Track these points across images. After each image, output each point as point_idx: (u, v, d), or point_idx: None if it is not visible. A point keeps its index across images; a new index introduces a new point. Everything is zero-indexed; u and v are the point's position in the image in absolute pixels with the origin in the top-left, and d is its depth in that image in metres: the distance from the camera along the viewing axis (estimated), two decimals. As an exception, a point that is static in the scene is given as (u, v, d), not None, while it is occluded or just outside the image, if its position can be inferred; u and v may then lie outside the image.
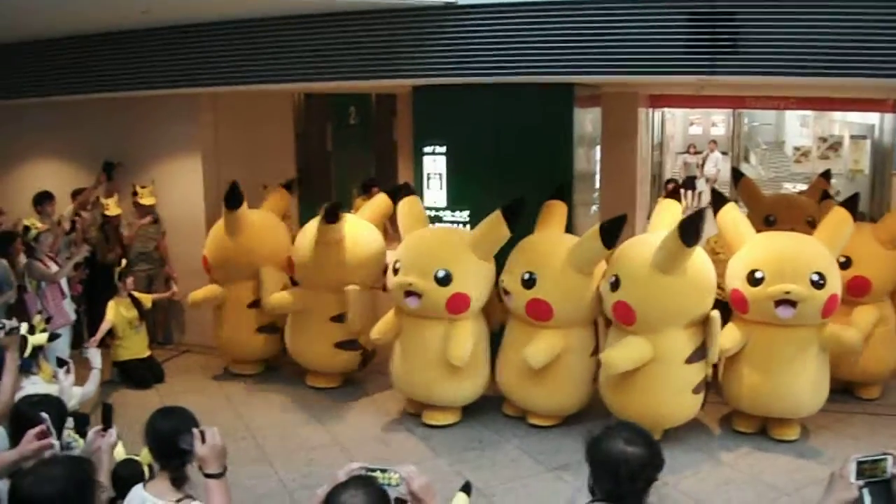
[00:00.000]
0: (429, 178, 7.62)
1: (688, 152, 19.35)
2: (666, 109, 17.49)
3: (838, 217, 6.46)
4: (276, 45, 6.81)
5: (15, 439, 3.41)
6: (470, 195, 7.40)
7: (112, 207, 8.81)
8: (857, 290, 6.86)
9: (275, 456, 6.42)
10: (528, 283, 6.47)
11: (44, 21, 6.88)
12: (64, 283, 7.55)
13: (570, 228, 7.03)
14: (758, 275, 6.18)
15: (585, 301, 6.53)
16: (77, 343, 7.92)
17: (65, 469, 2.55)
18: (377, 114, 12.33)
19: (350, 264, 7.30)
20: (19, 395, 3.99)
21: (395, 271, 6.67)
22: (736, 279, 6.35)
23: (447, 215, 7.58)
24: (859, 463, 2.50)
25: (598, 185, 8.51)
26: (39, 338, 5.06)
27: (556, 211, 6.94)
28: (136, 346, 8.14)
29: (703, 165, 18.94)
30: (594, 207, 8.40)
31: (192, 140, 9.01)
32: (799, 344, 6.26)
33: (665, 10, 5.63)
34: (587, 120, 7.83)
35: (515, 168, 7.22)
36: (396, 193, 7.54)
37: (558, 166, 7.23)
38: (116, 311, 7.91)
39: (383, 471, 2.50)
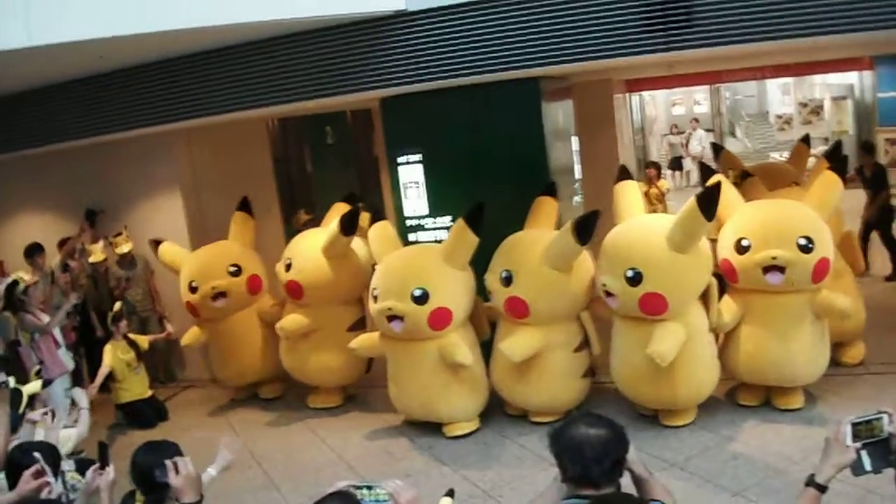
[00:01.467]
0: (406, 188, 7.61)
1: (671, 133, 19.35)
2: (645, 92, 17.53)
3: (827, 180, 6.44)
4: (234, 73, 6.81)
5: (12, 488, 3.42)
6: (450, 200, 7.36)
7: (97, 254, 8.84)
8: None
9: (281, 481, 6.41)
10: (506, 280, 6.47)
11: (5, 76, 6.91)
12: (57, 332, 7.56)
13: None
14: (744, 243, 6.18)
15: (564, 298, 6.50)
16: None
17: None
18: (354, 130, 12.35)
19: (355, 277, 7.52)
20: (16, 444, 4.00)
21: (375, 298, 6.65)
22: (725, 249, 6.32)
23: (429, 223, 7.56)
24: (854, 425, 2.42)
25: (578, 175, 8.50)
26: (33, 386, 5.07)
27: (546, 208, 6.92)
28: (137, 388, 8.15)
29: (687, 144, 18.93)
30: (577, 198, 8.39)
31: (169, 176, 9.04)
32: (793, 310, 6.22)
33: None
34: (559, 112, 7.82)
35: (492, 168, 7.20)
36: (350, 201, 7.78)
37: (533, 162, 7.19)
38: (113, 355, 7.93)
39: (370, 487, 2.49)
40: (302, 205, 11.28)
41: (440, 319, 6.46)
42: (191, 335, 8.22)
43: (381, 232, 7.09)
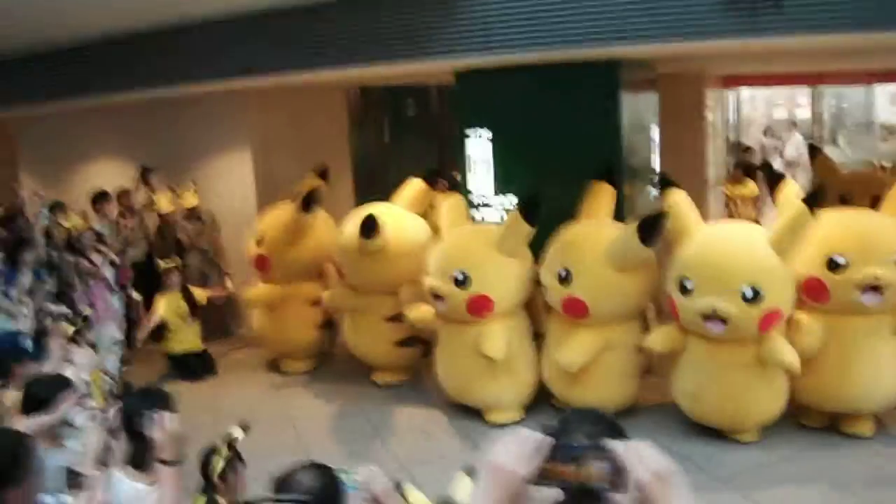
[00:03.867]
0: (474, 164, 7.42)
1: (765, 135, 18.60)
2: (745, 92, 16.88)
3: None
4: (311, 33, 6.70)
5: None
6: (516, 180, 7.17)
7: (164, 204, 8.91)
8: None
9: (313, 446, 6.33)
10: (564, 279, 6.13)
11: (94, 22, 7.06)
12: (111, 277, 7.67)
13: (620, 214, 6.65)
14: (840, 260, 5.57)
15: (626, 299, 6.16)
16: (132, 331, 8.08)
17: None
18: (439, 105, 12.24)
19: (397, 265, 7.07)
20: None
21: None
22: (810, 266, 5.64)
23: (493, 201, 7.36)
24: None
25: (657, 169, 8.12)
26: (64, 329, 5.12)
27: (603, 195, 6.55)
28: (189, 340, 8.23)
29: (783, 149, 18.16)
30: (654, 192, 8.01)
31: (241, 136, 9.04)
32: (876, 333, 5.70)
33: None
34: (639, 104, 7.45)
35: (562, 153, 6.89)
36: (430, 177, 7.56)
37: (606, 151, 6.85)
38: (167, 306, 8.02)
39: (346, 472, 2.55)
40: (378, 174, 11.17)
41: (479, 306, 6.25)
42: (260, 293, 8.06)
43: (452, 205, 6.92)
